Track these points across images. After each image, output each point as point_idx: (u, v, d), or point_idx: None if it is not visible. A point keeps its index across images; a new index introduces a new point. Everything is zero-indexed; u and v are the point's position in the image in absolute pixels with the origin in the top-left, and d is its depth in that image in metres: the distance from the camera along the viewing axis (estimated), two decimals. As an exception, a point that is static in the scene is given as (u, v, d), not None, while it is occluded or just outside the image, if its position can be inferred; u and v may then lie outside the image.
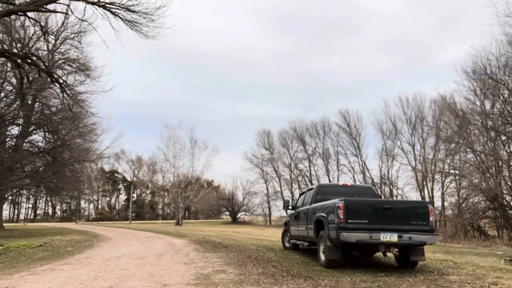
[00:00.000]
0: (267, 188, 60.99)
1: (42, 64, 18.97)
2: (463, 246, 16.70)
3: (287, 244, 12.33)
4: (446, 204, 32.00)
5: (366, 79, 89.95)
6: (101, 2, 15.80)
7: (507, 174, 20.76)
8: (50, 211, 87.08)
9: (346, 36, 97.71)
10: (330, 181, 48.64)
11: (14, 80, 24.00)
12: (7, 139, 25.08)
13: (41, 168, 26.82)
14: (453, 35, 71.46)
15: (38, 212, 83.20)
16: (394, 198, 39.25)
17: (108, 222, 69.25)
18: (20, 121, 24.81)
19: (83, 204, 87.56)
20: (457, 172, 27.79)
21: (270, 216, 61.77)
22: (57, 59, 23.40)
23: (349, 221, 7.53)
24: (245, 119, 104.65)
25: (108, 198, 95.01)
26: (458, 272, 7.80)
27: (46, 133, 26.19)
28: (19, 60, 18.40)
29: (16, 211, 76.47)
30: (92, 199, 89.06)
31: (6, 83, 23.71)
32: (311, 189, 10.89)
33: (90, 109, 22.80)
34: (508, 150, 21.47)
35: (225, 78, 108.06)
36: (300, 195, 12.24)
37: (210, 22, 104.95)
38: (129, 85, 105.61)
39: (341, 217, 7.53)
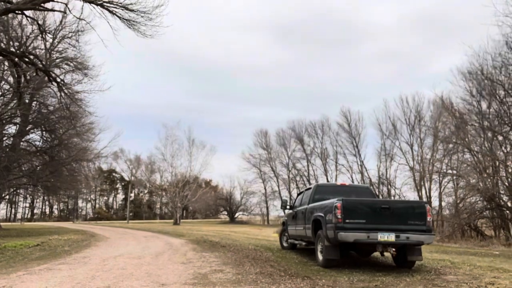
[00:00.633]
0: (265, 188, 61.11)
1: (39, 63, 18.90)
2: (460, 246, 16.76)
3: (285, 244, 12.34)
4: (443, 204, 32.16)
5: (366, 84, 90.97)
6: (99, 1, 15.74)
7: (504, 175, 20.83)
8: (47, 210, 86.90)
9: (346, 49, 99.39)
10: (328, 180, 48.73)
11: (11, 79, 23.88)
12: (4, 138, 24.97)
13: (38, 167, 26.73)
14: (450, 47, 73.10)
15: (35, 211, 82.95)
16: (392, 198, 39.36)
17: (106, 221, 69.10)
18: (18, 120, 24.69)
19: (80, 203, 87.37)
20: (454, 172, 27.88)
21: (268, 216, 61.84)
22: (55, 58, 23.28)
23: (347, 220, 7.55)
24: (244, 120, 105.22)
25: (105, 198, 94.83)
26: (455, 272, 7.83)
27: (44, 132, 26.09)
28: (16, 59, 18.32)
29: (13, 210, 76.30)
30: (89, 199, 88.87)
31: (3, 82, 23.59)
32: (309, 188, 10.90)
33: (88, 108, 22.71)
34: (505, 150, 21.55)
35: (226, 82, 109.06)
36: (298, 194, 12.26)
37: (215, 33, 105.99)
38: (127, 84, 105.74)
39: (339, 216, 7.54)
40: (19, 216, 77.02)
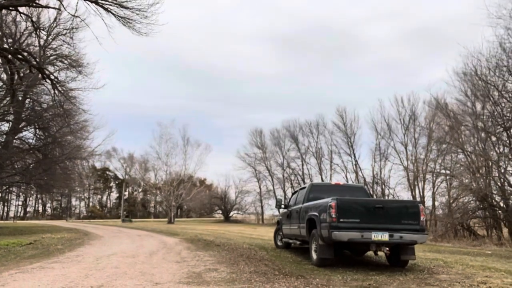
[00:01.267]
0: (259, 187, 61.09)
1: (33, 60, 18.74)
2: (453, 246, 16.90)
3: (279, 243, 12.36)
4: (436, 203, 32.34)
5: (363, 89, 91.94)
6: (94, -2, 15.66)
7: (497, 175, 21.01)
8: (40, 208, 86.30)
9: (344, 59, 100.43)
10: (322, 180, 48.84)
11: (4, 76, 23.65)
12: (-3, 136, 24.74)
13: (31, 165, 26.49)
14: (447, 56, 74.06)
15: (28, 209, 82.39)
16: (386, 197, 39.55)
17: (100, 220, 68.77)
18: (10, 117, 24.45)
19: (74, 202, 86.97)
20: (447, 172, 28.07)
21: (263, 215, 61.83)
22: (49, 55, 23.07)
23: (341, 220, 7.57)
24: (240, 121, 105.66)
25: (99, 196, 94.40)
26: (448, 271, 7.89)
27: (37, 130, 25.85)
28: (9, 56, 18.16)
29: (5, 208, 75.68)
30: (83, 197, 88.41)
31: (-4, 79, 23.37)
32: (304, 188, 10.92)
33: (82, 106, 22.50)
34: (498, 151, 21.74)
35: (226, 85, 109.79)
36: (293, 194, 12.28)
37: (218, 40, 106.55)
38: (126, 83, 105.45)
39: (333, 216, 7.56)
40: (11, 214, 76.43)
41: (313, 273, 7.27)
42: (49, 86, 20.29)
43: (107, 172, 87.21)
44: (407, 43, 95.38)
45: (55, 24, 21.84)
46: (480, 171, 21.80)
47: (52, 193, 44.76)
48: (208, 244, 13.93)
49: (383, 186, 42.76)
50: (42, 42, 22.30)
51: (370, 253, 9.23)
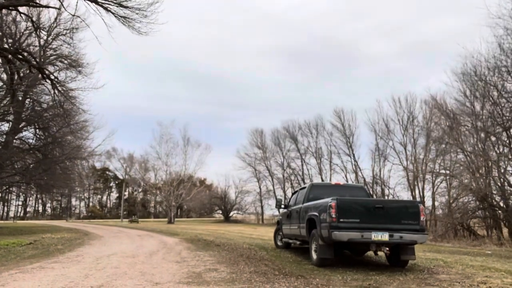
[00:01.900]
0: (259, 187, 61.10)
1: (33, 60, 18.74)
2: (453, 246, 16.91)
3: (279, 243, 12.36)
4: (436, 203, 32.36)
5: (363, 94, 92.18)
6: (94, -2, 15.66)
7: (497, 175, 21.02)
8: (40, 208, 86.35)
9: (345, 70, 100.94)
10: (322, 180, 48.85)
11: (4, 76, 23.65)
12: (-3, 136, 24.73)
13: (31, 165, 26.48)
14: (442, 68, 74.77)
15: (28, 209, 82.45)
16: (386, 197, 39.55)
17: (99, 220, 68.77)
18: (10, 117, 24.46)
19: (74, 202, 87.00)
20: (447, 172, 28.08)
21: (263, 215, 61.83)
22: (49, 55, 23.08)
23: (341, 220, 7.57)
24: (241, 122, 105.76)
25: (99, 196, 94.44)
26: (447, 271, 7.89)
27: (37, 130, 25.86)
28: (10, 56, 18.15)
29: (5, 208, 75.72)
30: (83, 197, 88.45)
31: (-4, 79, 23.37)
32: (304, 188, 10.92)
33: (82, 106, 22.52)
34: (498, 151, 21.75)
35: (225, 88, 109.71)
36: (293, 194, 12.28)
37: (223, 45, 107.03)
38: (126, 83, 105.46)
39: (333, 216, 7.56)
40: (11, 214, 76.45)
41: (313, 273, 7.27)
42: (49, 86, 20.29)
43: (107, 172, 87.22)
44: (406, 55, 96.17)
45: (55, 24, 21.88)
46: (480, 171, 21.81)
47: (52, 193, 44.73)
48: (208, 244, 13.94)
49: (383, 186, 42.78)
50: (42, 42, 22.33)
51: (370, 253, 9.24)
